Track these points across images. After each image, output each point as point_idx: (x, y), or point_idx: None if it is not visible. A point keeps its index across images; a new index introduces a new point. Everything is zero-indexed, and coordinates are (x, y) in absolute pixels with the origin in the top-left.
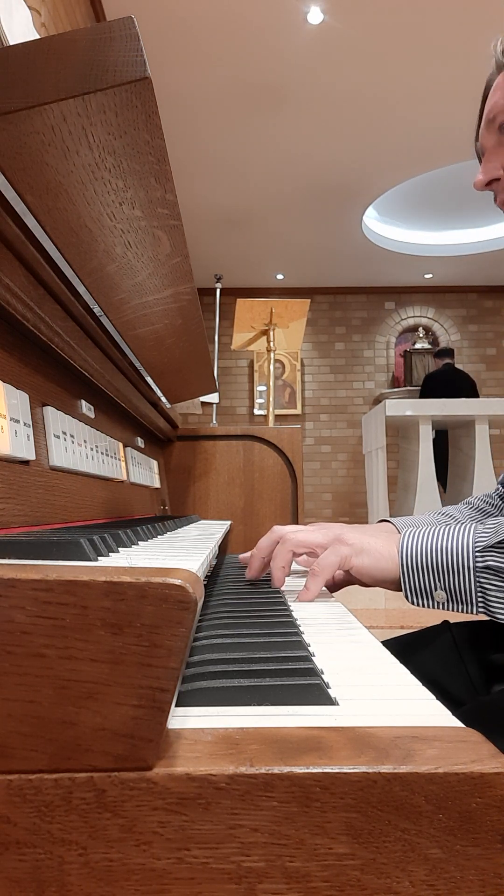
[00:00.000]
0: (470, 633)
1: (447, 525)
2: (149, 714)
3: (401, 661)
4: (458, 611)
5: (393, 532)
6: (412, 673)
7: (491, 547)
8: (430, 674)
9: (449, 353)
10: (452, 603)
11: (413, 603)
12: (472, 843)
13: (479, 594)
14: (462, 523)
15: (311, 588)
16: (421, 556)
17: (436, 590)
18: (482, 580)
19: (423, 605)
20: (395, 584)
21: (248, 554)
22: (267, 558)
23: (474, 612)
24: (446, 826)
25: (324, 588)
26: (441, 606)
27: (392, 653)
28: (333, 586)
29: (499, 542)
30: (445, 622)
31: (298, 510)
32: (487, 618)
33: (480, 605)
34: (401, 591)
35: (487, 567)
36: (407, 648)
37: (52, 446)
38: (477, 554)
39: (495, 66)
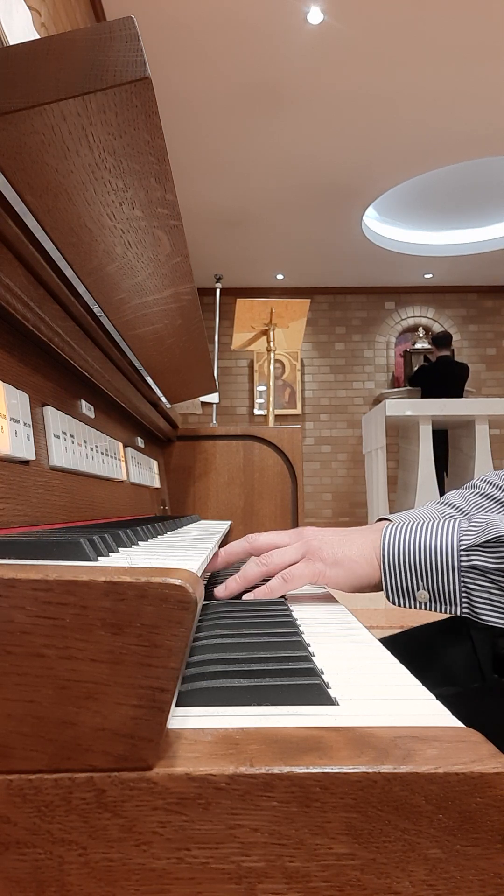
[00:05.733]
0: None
1: (431, 521)
2: (149, 714)
3: (410, 655)
4: (441, 611)
5: (377, 530)
6: (420, 667)
7: (477, 546)
8: (440, 665)
9: (446, 341)
10: (435, 603)
11: (394, 603)
12: (472, 843)
13: (464, 594)
14: (448, 517)
15: (274, 589)
16: (402, 555)
17: (418, 589)
18: (467, 580)
19: (405, 606)
20: (374, 588)
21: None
22: (233, 562)
23: (458, 612)
24: (446, 826)
25: (324, 587)
26: (423, 607)
27: (402, 647)
28: None
29: (486, 542)
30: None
31: (298, 510)
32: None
33: (465, 605)
34: (380, 590)
35: (473, 567)
36: (417, 641)
37: (52, 446)
38: (462, 552)
39: None
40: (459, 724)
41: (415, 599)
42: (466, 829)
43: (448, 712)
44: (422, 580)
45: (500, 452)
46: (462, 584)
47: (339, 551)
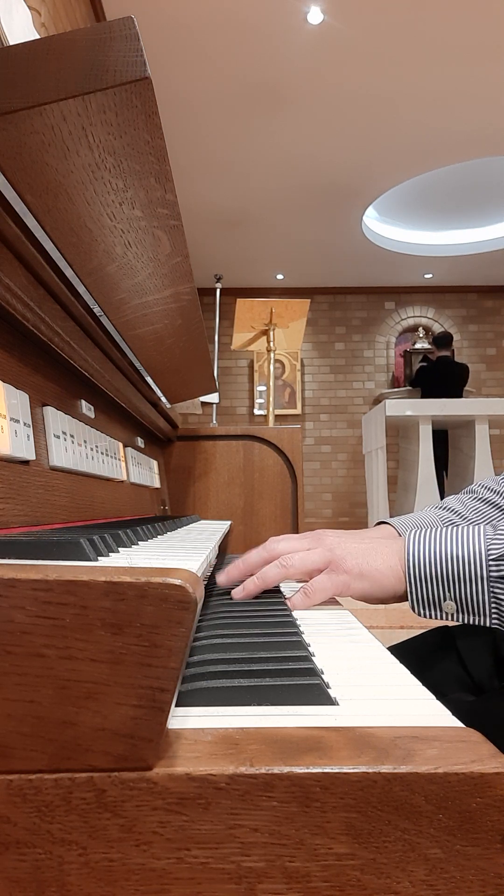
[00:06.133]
0: (468, 632)
1: (453, 525)
2: (149, 714)
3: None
4: (468, 622)
5: (392, 537)
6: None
7: None
8: (429, 677)
9: (446, 341)
10: (463, 614)
11: (420, 614)
12: (472, 843)
13: (494, 605)
14: (470, 523)
15: (296, 605)
16: (428, 565)
17: (444, 600)
18: (497, 590)
19: (431, 617)
20: (398, 599)
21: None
22: (253, 573)
23: (487, 623)
24: (446, 826)
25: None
26: (451, 618)
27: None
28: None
29: None
30: (445, 626)
31: (298, 510)
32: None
33: (494, 616)
34: (404, 601)
35: (503, 577)
36: (406, 654)
37: (52, 446)
38: (491, 562)
39: None
40: (459, 724)
41: (441, 611)
42: (466, 829)
43: (448, 712)
44: (448, 591)
45: (500, 452)
46: (492, 594)
47: (365, 562)
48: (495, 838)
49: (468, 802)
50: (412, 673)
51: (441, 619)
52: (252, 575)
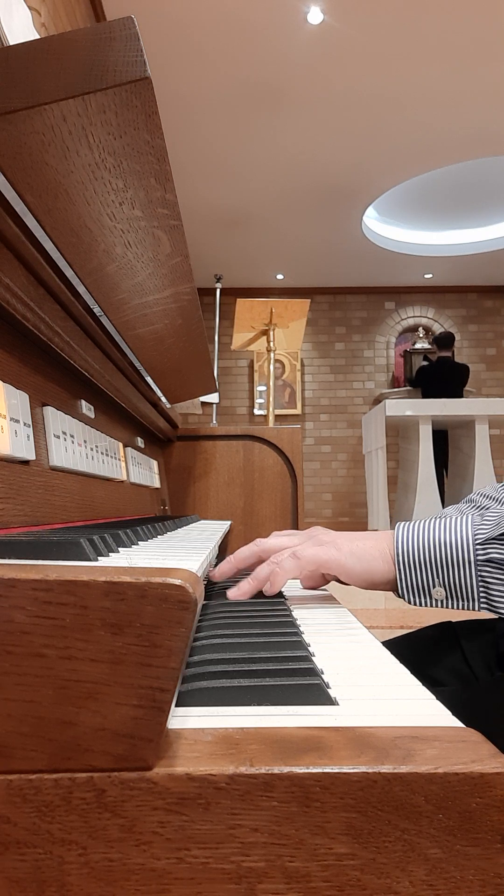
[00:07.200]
0: (471, 628)
1: (442, 517)
2: (149, 714)
3: (401, 661)
4: (457, 607)
5: (384, 532)
6: (412, 672)
7: (493, 539)
8: (431, 672)
9: (448, 342)
10: (452, 600)
11: (409, 601)
12: (472, 843)
13: (482, 589)
14: (458, 516)
15: (285, 568)
16: (417, 551)
17: (434, 586)
18: (484, 574)
19: (421, 604)
20: (387, 585)
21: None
22: (251, 568)
23: (476, 608)
24: (446, 826)
25: (323, 588)
26: (440, 604)
27: (392, 653)
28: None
29: (501, 535)
30: (447, 622)
31: (298, 510)
32: (490, 615)
33: (483, 600)
34: (393, 590)
35: (490, 560)
36: (407, 648)
37: (52, 446)
38: (478, 546)
39: None
40: (459, 723)
41: (430, 597)
42: (466, 829)
43: (448, 712)
44: (437, 576)
45: (500, 452)
46: (479, 578)
47: (355, 545)
48: (495, 838)
49: (468, 802)
50: (410, 666)
51: (431, 605)
52: (241, 569)
